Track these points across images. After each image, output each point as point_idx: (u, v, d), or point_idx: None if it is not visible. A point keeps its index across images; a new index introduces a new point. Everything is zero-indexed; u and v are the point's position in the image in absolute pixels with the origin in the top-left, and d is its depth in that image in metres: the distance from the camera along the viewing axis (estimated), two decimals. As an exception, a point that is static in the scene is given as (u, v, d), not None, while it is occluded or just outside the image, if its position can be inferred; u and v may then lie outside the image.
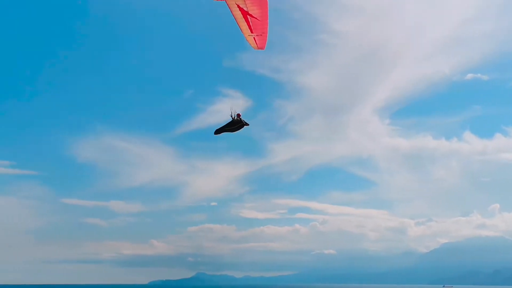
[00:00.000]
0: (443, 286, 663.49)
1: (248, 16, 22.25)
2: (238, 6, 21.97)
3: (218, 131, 24.16)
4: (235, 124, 23.79)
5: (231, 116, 23.78)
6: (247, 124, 24.00)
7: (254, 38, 23.04)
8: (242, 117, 24.14)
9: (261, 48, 23.78)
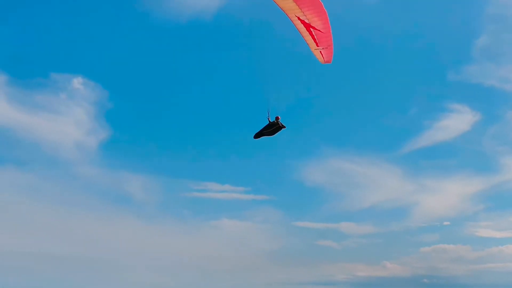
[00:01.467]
0: None
1: (311, 28, 22.14)
2: (299, 19, 21.88)
3: (257, 136, 24.49)
4: (272, 126, 24.00)
5: (268, 119, 23.92)
6: (283, 127, 24.21)
7: (320, 52, 22.75)
8: (280, 120, 24.21)
9: (328, 62, 23.49)
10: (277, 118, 23.84)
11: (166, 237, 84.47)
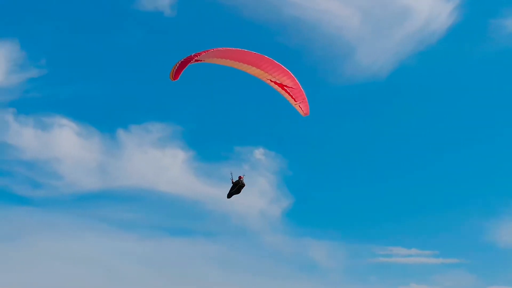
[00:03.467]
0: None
1: (285, 87, 23.92)
2: (271, 81, 23.84)
3: (228, 196, 26.94)
4: (236, 185, 26.37)
5: (232, 180, 26.46)
6: (244, 185, 26.47)
7: (299, 105, 24.75)
8: (243, 179, 26.65)
9: (307, 114, 25.35)
10: (240, 177, 26.20)
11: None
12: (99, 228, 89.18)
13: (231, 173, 25.73)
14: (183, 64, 22.32)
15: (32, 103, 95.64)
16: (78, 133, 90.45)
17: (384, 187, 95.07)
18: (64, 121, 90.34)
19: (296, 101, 24.68)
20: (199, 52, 22.43)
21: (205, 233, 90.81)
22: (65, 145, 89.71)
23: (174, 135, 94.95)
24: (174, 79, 22.86)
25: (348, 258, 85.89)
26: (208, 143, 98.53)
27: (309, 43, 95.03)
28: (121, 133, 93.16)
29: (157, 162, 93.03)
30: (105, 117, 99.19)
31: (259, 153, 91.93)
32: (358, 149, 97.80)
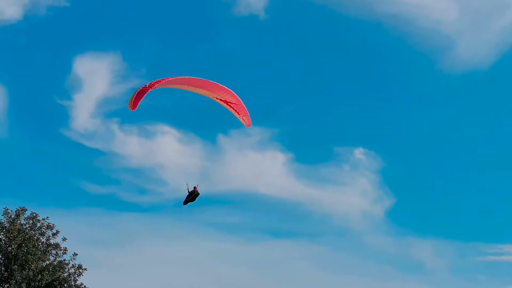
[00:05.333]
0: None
1: (229, 104, 28.18)
2: (216, 98, 27.98)
3: (184, 203, 29.36)
4: (192, 195, 28.86)
5: (188, 189, 28.87)
6: (198, 194, 29.00)
7: (242, 118, 28.79)
8: (198, 188, 29.17)
9: (249, 125, 29.43)
10: (195, 187, 28.86)
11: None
12: (204, 232, 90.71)
13: (186, 184, 28.74)
14: (141, 93, 25.33)
15: (135, 112, 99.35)
16: (180, 140, 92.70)
17: (493, 182, 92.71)
18: (166, 128, 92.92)
19: (239, 114, 28.64)
20: (153, 81, 25.81)
21: (307, 234, 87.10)
22: (168, 152, 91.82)
23: (273, 138, 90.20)
24: (132, 109, 25.66)
25: (455, 257, 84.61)
26: (307, 144, 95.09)
27: (405, 38, 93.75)
28: (221, 138, 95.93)
29: (257, 165, 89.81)
30: (205, 123, 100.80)
31: (359, 152, 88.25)
32: (462, 143, 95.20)
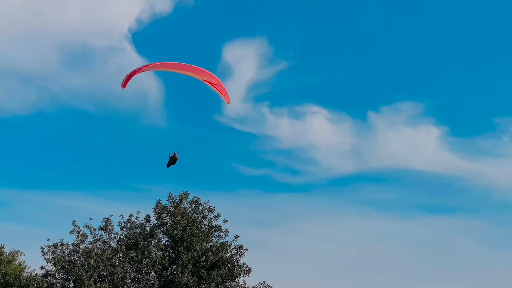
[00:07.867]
0: None
1: (212, 85, 31.22)
2: (202, 79, 30.85)
3: (168, 166, 33.03)
4: (172, 159, 32.68)
5: (169, 155, 32.76)
6: (177, 159, 32.67)
7: (223, 97, 31.81)
8: (177, 155, 32.87)
9: (229, 103, 32.28)
10: (175, 153, 32.72)
11: None
12: (358, 210, 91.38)
13: (168, 151, 32.60)
14: (130, 76, 28.70)
15: (284, 94, 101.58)
16: (330, 119, 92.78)
17: None
18: (316, 108, 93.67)
19: (222, 94, 31.61)
20: (142, 66, 29.07)
21: (466, 209, 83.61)
22: (319, 132, 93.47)
23: (426, 112, 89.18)
24: (123, 87, 29.41)
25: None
26: (462, 117, 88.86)
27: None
28: (371, 115, 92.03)
29: (410, 140, 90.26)
30: (355, 101, 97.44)
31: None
32: None
